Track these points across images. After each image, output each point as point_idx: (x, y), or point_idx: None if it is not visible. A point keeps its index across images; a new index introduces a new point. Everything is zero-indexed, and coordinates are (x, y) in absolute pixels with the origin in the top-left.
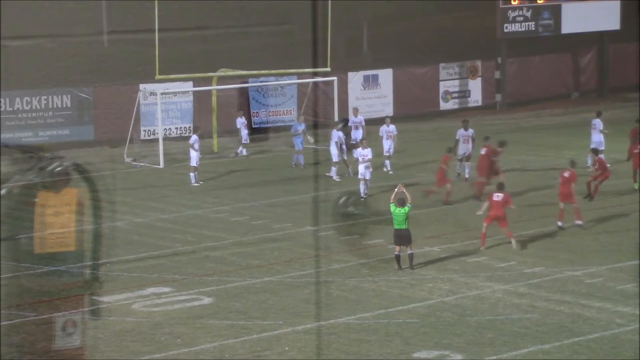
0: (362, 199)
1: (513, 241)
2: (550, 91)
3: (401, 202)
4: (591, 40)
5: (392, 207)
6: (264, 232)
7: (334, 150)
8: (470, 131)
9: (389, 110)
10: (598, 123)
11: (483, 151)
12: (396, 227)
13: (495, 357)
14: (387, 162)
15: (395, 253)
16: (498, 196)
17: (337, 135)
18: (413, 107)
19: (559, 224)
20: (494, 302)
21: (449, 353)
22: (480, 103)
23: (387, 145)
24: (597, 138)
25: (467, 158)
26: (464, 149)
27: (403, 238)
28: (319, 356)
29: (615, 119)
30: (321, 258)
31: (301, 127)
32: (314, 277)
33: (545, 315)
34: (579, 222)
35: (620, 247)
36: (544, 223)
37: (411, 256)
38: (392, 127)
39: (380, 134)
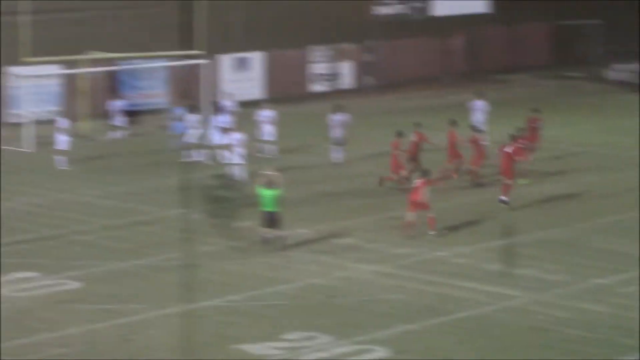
0: (237, 184)
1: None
2: (421, 74)
3: (270, 185)
4: (461, 23)
5: (261, 190)
6: (133, 215)
7: (210, 135)
8: (343, 115)
9: (259, 93)
10: (479, 104)
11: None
12: (265, 209)
13: (363, 338)
14: (266, 146)
15: (265, 235)
16: (419, 182)
17: (214, 119)
18: (284, 90)
19: (503, 198)
20: (363, 283)
21: (317, 334)
22: (350, 85)
23: (266, 129)
24: (479, 119)
25: (341, 142)
26: (338, 134)
27: (272, 220)
28: (188, 339)
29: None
30: (191, 241)
31: (180, 111)
32: (184, 261)
33: (413, 295)
34: (503, 197)
35: (486, 228)
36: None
37: (281, 238)
38: (271, 112)
39: (259, 118)
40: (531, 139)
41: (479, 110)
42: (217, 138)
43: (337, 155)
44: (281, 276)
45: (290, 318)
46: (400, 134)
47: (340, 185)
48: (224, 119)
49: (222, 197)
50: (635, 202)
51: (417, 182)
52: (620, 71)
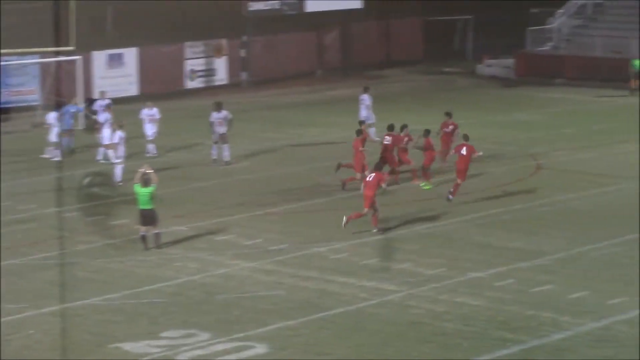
0: (113, 182)
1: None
2: (296, 69)
3: (146, 182)
4: (335, 18)
5: (137, 187)
6: (8, 214)
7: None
8: (224, 113)
9: (135, 90)
10: (366, 98)
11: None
12: (141, 207)
13: (242, 335)
14: (151, 146)
15: (141, 233)
16: (371, 176)
17: (89, 116)
18: (159, 86)
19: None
20: (241, 280)
21: (196, 331)
22: (226, 81)
23: (150, 128)
24: (365, 113)
25: (224, 140)
26: (219, 131)
27: (148, 218)
28: (64, 338)
29: (358, 96)
30: (66, 239)
31: (74, 109)
32: (59, 259)
33: (292, 291)
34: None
35: (363, 222)
36: (290, 200)
37: (158, 235)
38: (154, 110)
39: (142, 117)
40: (445, 144)
41: (364, 104)
42: (104, 136)
43: (224, 153)
44: (159, 274)
45: (168, 316)
46: (358, 133)
47: (220, 183)
48: (102, 117)
49: (99, 195)
50: (512, 196)
51: (371, 176)
52: (493, 66)
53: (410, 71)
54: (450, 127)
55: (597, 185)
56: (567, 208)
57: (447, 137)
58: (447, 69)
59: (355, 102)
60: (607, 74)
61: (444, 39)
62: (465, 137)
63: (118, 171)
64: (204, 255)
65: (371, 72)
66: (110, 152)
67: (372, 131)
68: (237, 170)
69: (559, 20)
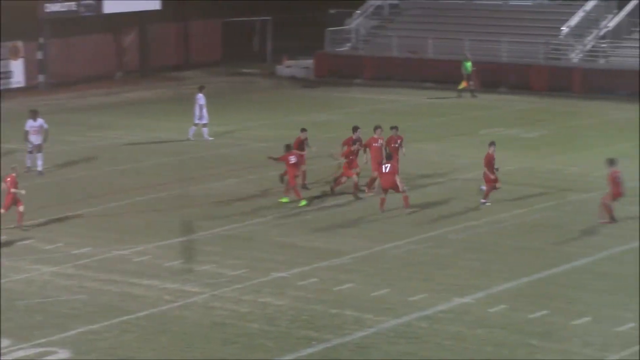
0: None
1: None
2: (94, 71)
3: None
4: (133, 20)
5: None
6: None
7: None
8: (40, 121)
9: None
10: (200, 97)
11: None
12: None
13: (44, 340)
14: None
15: None
16: (387, 167)
17: None
18: None
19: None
20: (42, 285)
21: None
22: (23, 84)
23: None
24: (199, 112)
25: (39, 149)
26: (35, 140)
27: None
28: None
29: (157, 98)
30: None
31: None
32: None
33: (94, 295)
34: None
35: (166, 225)
36: (92, 203)
37: None
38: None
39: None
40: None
41: (198, 103)
42: None
43: (38, 162)
44: None
45: None
46: (302, 140)
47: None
48: None
49: None
50: (313, 196)
51: (387, 166)
52: (292, 67)
53: (209, 73)
54: (399, 141)
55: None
56: (367, 207)
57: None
58: (246, 70)
59: (154, 104)
60: (403, 74)
61: (243, 40)
62: (389, 156)
63: None
64: (4, 261)
65: (170, 74)
66: None
67: (205, 131)
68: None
69: (357, 21)
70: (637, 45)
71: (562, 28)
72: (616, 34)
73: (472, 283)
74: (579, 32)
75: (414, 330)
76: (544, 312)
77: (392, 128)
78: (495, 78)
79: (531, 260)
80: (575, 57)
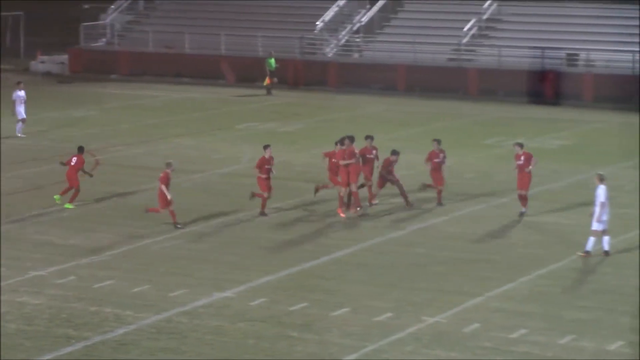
0: None
1: None
2: None
3: None
4: None
5: None
6: None
7: None
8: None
9: None
10: (20, 95)
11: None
12: None
13: None
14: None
15: None
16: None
17: None
18: None
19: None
20: None
21: None
22: None
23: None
24: (20, 108)
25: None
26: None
27: None
28: None
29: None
30: None
31: None
32: None
33: None
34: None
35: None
36: None
37: None
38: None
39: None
40: (365, 171)
41: (20, 100)
42: None
43: None
44: None
45: None
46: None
47: None
48: None
49: None
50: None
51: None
52: (46, 62)
53: None
54: (374, 152)
55: (155, 179)
56: (126, 203)
57: (368, 165)
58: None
59: None
60: (160, 69)
61: None
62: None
63: None
64: None
65: None
66: None
67: (19, 126)
68: None
69: (112, 16)
70: (390, 40)
71: (317, 23)
72: (369, 28)
73: (232, 277)
74: (333, 26)
75: (175, 325)
76: (304, 304)
77: (367, 138)
78: (252, 73)
79: (291, 253)
80: (330, 51)
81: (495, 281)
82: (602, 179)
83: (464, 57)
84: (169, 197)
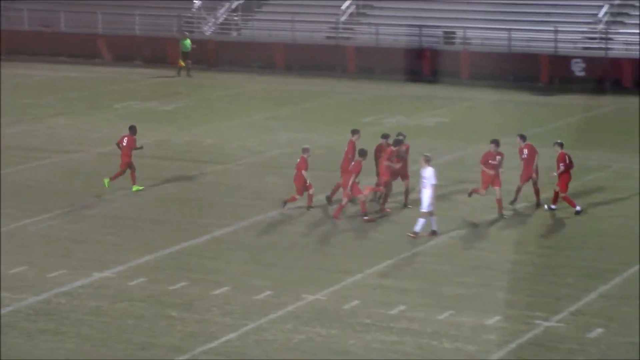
0: None
1: None
2: None
3: None
4: None
5: None
6: None
7: None
8: None
9: None
10: None
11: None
12: None
13: None
14: None
15: None
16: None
17: None
18: None
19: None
20: None
21: None
22: None
23: None
24: None
25: None
26: None
27: None
28: None
29: None
30: None
31: None
32: None
33: None
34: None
35: None
36: None
37: None
38: None
39: None
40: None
41: None
42: None
43: None
44: None
45: None
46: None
47: None
48: None
49: None
50: None
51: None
52: None
53: None
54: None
55: (31, 159)
56: (4, 183)
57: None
58: None
59: None
60: (36, 48)
61: None
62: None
63: None
64: None
65: None
66: None
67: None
68: None
69: None
70: (268, 19)
71: (194, 1)
72: (247, 7)
73: (111, 258)
74: (211, 5)
75: (54, 307)
76: (184, 283)
77: (492, 142)
78: (130, 51)
79: (170, 233)
80: (208, 29)
81: (374, 259)
82: (428, 160)
83: (342, 35)
84: (308, 181)
